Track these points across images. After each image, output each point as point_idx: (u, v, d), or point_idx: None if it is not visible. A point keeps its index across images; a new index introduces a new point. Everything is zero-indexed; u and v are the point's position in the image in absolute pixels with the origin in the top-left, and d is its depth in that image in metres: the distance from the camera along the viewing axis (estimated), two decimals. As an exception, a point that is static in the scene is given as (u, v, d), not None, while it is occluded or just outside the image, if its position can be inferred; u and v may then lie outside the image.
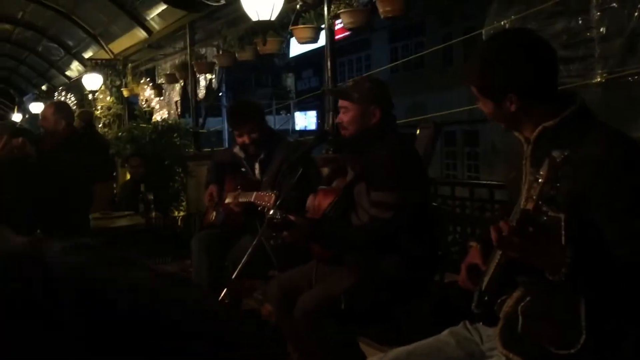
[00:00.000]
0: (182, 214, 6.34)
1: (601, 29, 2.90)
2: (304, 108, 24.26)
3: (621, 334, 1.45)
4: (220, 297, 2.19)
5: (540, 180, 1.27)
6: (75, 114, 5.95)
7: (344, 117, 2.47)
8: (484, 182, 3.80)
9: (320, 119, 24.25)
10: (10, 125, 6.41)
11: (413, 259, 2.40)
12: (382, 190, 2.32)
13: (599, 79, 2.82)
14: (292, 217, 2.35)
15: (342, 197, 2.50)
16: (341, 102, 2.50)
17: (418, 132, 3.83)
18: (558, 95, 1.56)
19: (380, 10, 3.74)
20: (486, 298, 1.69)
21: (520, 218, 1.30)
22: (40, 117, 4.20)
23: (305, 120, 24.91)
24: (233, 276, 2.25)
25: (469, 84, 1.61)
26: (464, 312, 1.83)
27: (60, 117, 3.96)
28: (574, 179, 1.32)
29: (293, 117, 24.33)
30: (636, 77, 2.73)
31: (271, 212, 2.33)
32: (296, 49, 5.57)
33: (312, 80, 24.79)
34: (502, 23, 3.28)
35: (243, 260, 2.26)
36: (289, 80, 26.21)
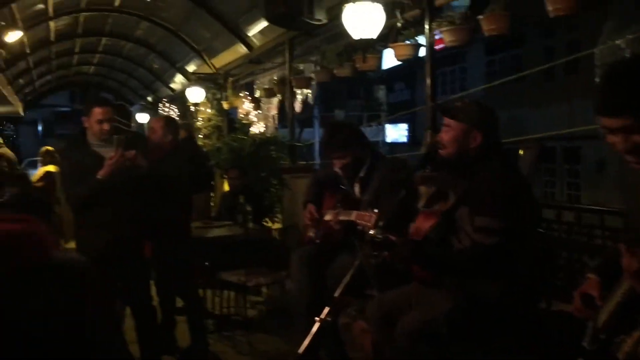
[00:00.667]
0: (276, 225, 6.49)
1: None
2: (395, 120, 24.15)
3: None
4: (324, 315, 2.22)
5: None
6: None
7: (444, 136, 2.45)
8: (594, 207, 3.62)
9: (411, 131, 24.05)
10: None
11: (517, 285, 2.33)
12: (487, 216, 2.28)
13: None
14: (393, 238, 2.36)
15: (444, 220, 2.48)
16: (445, 120, 2.49)
17: (521, 152, 3.71)
18: None
19: (485, 28, 3.68)
20: (603, 335, 1.62)
21: None
22: (148, 129, 4.42)
23: (396, 132, 24.80)
24: (336, 294, 2.28)
25: (620, 114, 1.48)
26: (573, 345, 1.76)
27: (167, 131, 4.17)
28: None
29: (384, 129, 24.29)
30: None
31: (372, 231, 2.35)
32: (389, 61, 5.60)
33: (404, 92, 24.67)
34: (617, 42, 3.13)
35: (345, 279, 2.29)
36: (381, 93, 26.19)
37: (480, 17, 3.72)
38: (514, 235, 2.26)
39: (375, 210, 2.84)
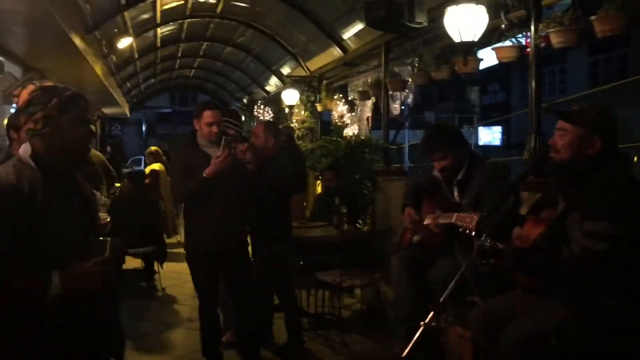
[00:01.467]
0: (367, 228, 6.52)
1: None
2: (488, 123, 23.53)
3: None
4: (427, 320, 2.23)
5: None
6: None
7: (558, 140, 2.38)
8: None
9: (506, 134, 23.31)
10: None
11: (633, 296, 2.23)
12: (598, 219, 2.19)
13: None
14: (501, 245, 2.32)
15: (553, 227, 2.40)
16: (560, 124, 2.41)
17: (636, 159, 3.52)
18: None
19: (598, 29, 3.51)
20: None
21: None
22: (251, 134, 4.61)
23: (490, 135, 24.15)
24: (441, 299, 2.28)
25: None
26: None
27: (269, 135, 4.32)
28: None
29: (477, 132, 23.72)
30: None
31: (482, 238, 2.32)
32: (484, 62, 5.47)
33: (499, 94, 23.96)
34: None
35: (451, 285, 2.28)
36: (474, 94, 25.61)
37: (593, 17, 3.56)
38: (628, 241, 2.16)
39: (477, 212, 2.80)
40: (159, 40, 10.10)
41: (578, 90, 12.00)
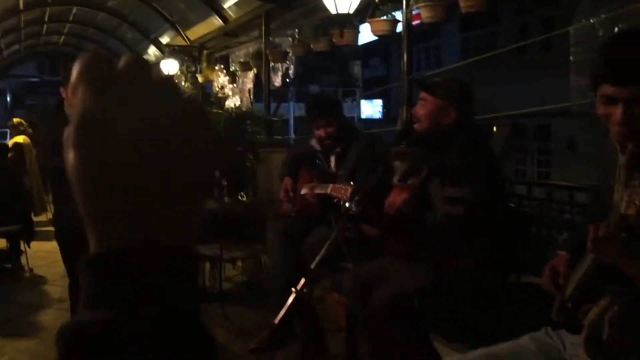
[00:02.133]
0: (249, 200, 6.49)
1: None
2: (370, 96, 24.16)
3: None
4: (300, 286, 2.26)
5: None
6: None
7: (419, 110, 2.48)
8: (565, 183, 3.71)
9: (386, 107, 24.09)
10: None
11: (489, 260, 2.39)
12: (456, 186, 2.32)
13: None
14: (369, 211, 2.39)
15: (417, 194, 2.52)
16: (422, 94, 2.52)
17: (495, 129, 3.78)
18: None
19: (462, 4, 3.70)
20: (570, 305, 1.69)
21: (619, 222, 1.29)
22: None
23: (371, 108, 24.82)
24: (312, 266, 2.32)
25: (630, 83, 1.45)
26: (542, 315, 1.83)
27: None
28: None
29: (359, 105, 24.28)
30: None
31: (348, 204, 2.38)
32: (364, 36, 5.60)
33: (380, 68, 24.63)
34: (592, 21, 3.18)
35: (322, 252, 2.32)
36: (356, 68, 26.10)
37: (458, -7, 3.73)
38: (483, 206, 2.31)
39: (351, 183, 2.87)
40: (21, 3, 9.28)
41: (450, 64, 12.62)
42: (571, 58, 3.61)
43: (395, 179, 2.94)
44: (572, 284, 1.71)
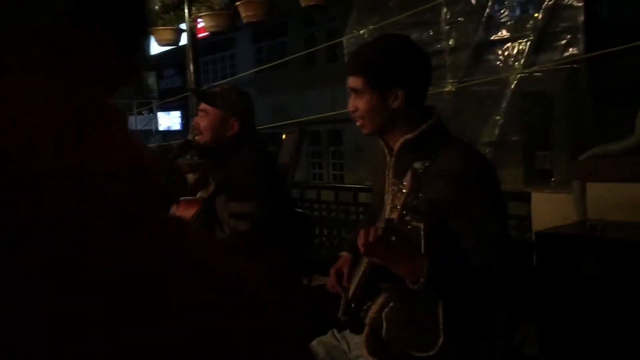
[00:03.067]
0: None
1: (450, 41, 3.10)
2: (167, 108, 23.51)
3: (475, 335, 1.56)
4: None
5: (404, 190, 1.31)
6: None
7: (200, 121, 2.39)
8: (348, 185, 3.92)
9: (185, 119, 23.66)
10: None
11: (280, 267, 2.39)
12: (238, 201, 2.29)
13: (450, 88, 3.02)
14: None
15: (204, 208, 2.43)
16: (202, 106, 2.43)
17: (284, 137, 3.85)
18: (422, 106, 1.62)
19: (243, 15, 3.71)
20: (353, 305, 1.74)
21: (385, 227, 1.34)
22: None
23: (170, 120, 24.18)
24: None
25: (357, 73, 1.58)
26: (332, 317, 1.87)
27: None
28: (433, 190, 1.38)
29: (156, 117, 23.49)
30: (482, 86, 2.96)
31: None
32: (157, 47, 5.39)
33: (176, 79, 24.10)
34: (361, 32, 3.40)
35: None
36: (151, 79, 25.24)
37: (238, 3, 3.74)
38: (267, 218, 2.30)
39: None
40: None
41: (245, 75, 12.78)
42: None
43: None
44: (354, 284, 1.76)
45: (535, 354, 2.36)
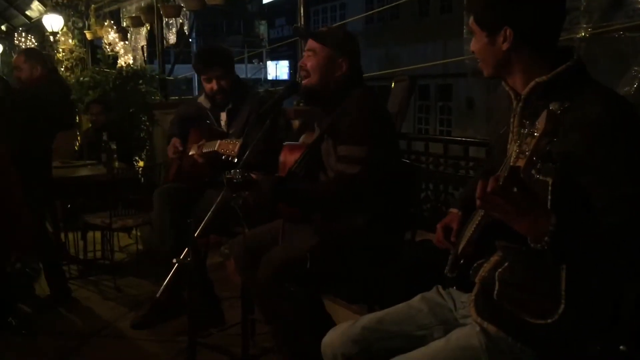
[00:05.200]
0: (144, 164, 6.13)
1: (587, -19, 2.76)
2: (276, 57, 23.82)
3: (600, 305, 1.38)
4: (182, 257, 2.06)
5: (536, 133, 1.14)
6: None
7: (307, 62, 2.29)
8: (459, 138, 3.70)
9: (293, 68, 23.85)
10: None
11: (383, 217, 2.30)
12: (349, 144, 2.19)
13: (583, 34, 2.71)
14: (253, 176, 2.20)
15: (309, 153, 2.36)
16: (309, 44, 2.33)
17: (393, 85, 3.69)
18: (555, 48, 1.44)
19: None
20: (462, 261, 1.61)
21: (508, 176, 1.18)
22: (14, 69, 4.03)
23: (278, 70, 24.51)
24: (195, 235, 2.12)
25: (469, 11, 1.52)
26: (437, 273, 1.76)
27: (34, 63, 3.83)
28: (566, 140, 1.21)
29: (265, 66, 23.87)
30: (621, 33, 2.63)
31: (231, 172, 2.14)
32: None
33: (285, 29, 24.26)
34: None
35: (206, 219, 2.13)
36: (262, 28, 25.61)
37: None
38: (377, 163, 2.20)
39: (240, 139, 2.65)
40: None
41: (354, 25, 12.55)
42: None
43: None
44: (464, 239, 1.63)
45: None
